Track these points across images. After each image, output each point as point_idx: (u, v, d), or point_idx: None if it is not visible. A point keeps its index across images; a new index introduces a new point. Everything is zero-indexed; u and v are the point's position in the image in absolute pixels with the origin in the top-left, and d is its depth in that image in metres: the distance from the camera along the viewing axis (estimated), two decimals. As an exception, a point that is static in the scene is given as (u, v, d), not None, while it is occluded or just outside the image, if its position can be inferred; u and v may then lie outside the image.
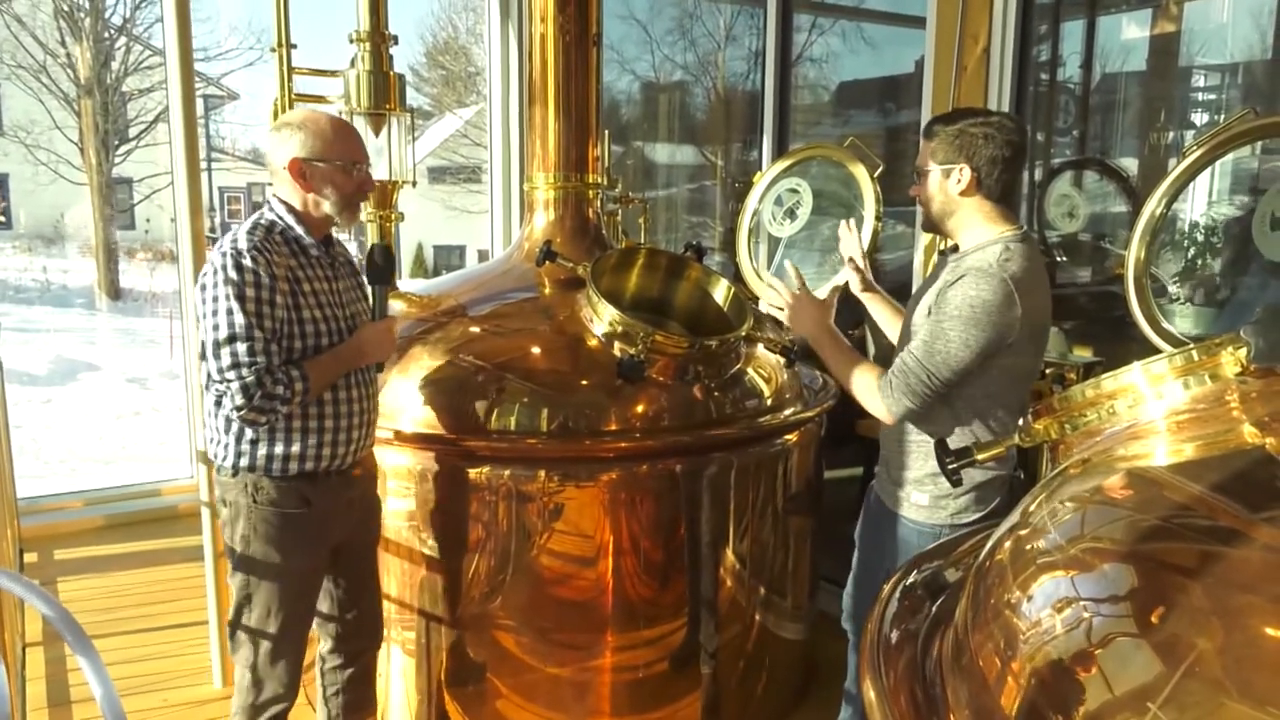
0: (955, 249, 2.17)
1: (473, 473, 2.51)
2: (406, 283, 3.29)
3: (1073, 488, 1.34)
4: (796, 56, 5.17)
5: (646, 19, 6.48)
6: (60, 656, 3.14)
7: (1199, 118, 4.00)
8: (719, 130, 6.34)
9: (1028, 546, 1.23)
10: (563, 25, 2.85)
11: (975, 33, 2.80)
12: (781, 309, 2.32)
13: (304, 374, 1.98)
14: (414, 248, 21.67)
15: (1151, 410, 1.30)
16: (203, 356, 1.98)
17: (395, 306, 2.93)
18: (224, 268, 1.94)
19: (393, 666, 2.68)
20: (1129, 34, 4.41)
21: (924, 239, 3.01)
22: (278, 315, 1.97)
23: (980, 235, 2.06)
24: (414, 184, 3.22)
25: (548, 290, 2.86)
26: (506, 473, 2.50)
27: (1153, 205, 1.94)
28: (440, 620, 2.58)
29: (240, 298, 1.92)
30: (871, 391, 2.09)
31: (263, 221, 2.07)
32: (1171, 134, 3.95)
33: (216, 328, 1.92)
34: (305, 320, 2.02)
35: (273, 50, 3.15)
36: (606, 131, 3.64)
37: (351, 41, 3.10)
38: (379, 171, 3.19)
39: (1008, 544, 1.28)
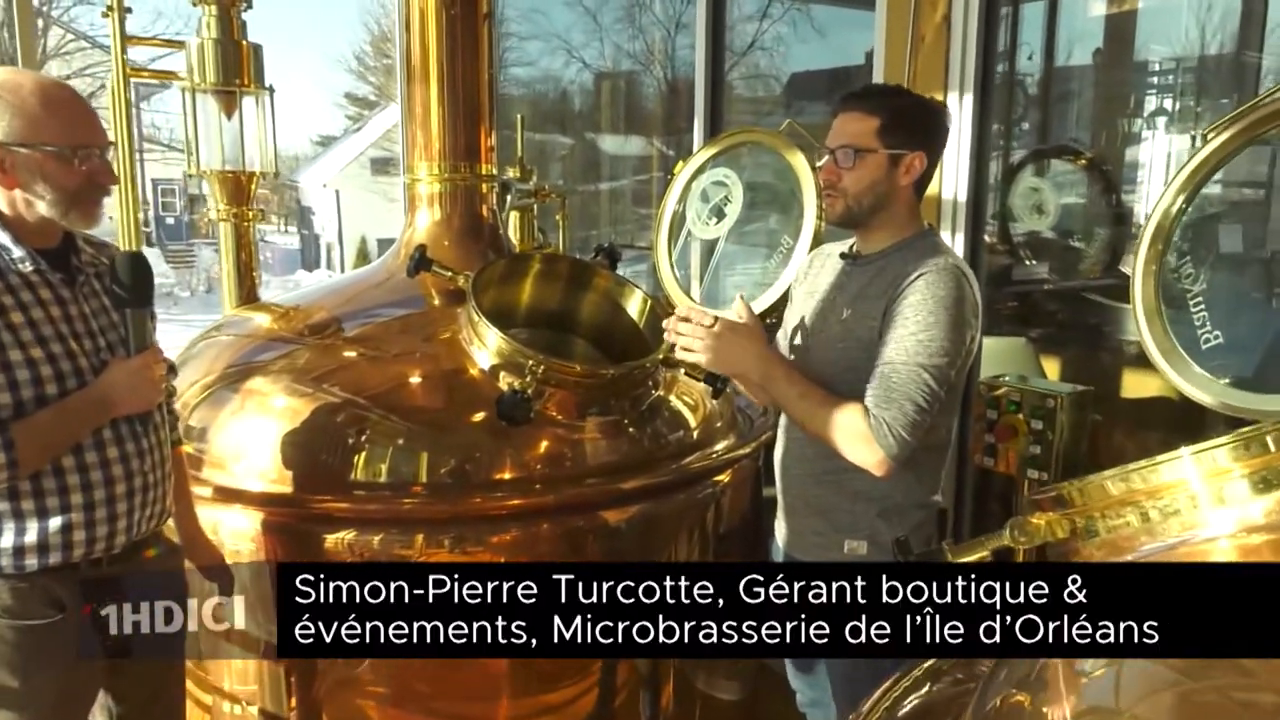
0: (854, 251, 1.84)
1: (330, 539, 2.05)
2: (266, 292, 2.79)
3: None
4: (749, 44, 4.99)
5: (595, 6, 6.18)
6: None
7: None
8: (668, 120, 6.08)
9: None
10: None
11: (934, -2, 2.38)
12: (693, 349, 1.75)
13: (7, 441, 1.47)
14: (357, 240, 21.18)
15: (1212, 522, 0.87)
16: None
17: (238, 325, 2.44)
18: None
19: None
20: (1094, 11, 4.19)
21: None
22: None
23: (902, 233, 1.79)
24: (275, 175, 2.72)
25: (435, 302, 2.40)
26: (375, 539, 2.06)
27: (1165, 204, 1.51)
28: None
29: None
30: (860, 437, 1.62)
31: None
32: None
33: None
34: (13, 364, 1.50)
35: (104, 15, 2.64)
36: (521, 116, 3.23)
37: (194, 4, 2.58)
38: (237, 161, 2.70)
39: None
